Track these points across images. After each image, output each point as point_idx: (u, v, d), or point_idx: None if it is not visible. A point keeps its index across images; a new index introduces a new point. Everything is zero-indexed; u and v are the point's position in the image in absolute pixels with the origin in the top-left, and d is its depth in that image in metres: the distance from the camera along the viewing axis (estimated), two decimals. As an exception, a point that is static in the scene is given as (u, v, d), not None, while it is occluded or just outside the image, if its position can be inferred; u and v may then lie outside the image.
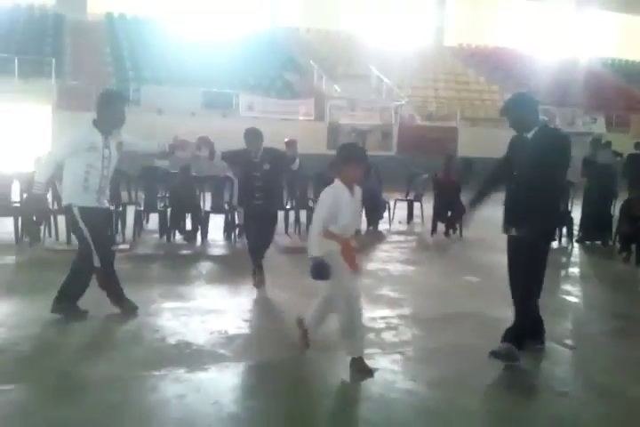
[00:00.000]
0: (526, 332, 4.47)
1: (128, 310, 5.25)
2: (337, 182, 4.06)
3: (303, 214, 9.55)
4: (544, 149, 4.20)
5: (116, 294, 5.28)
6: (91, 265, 5.11)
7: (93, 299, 5.71)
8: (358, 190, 4.20)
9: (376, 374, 4.15)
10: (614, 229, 9.03)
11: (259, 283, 6.30)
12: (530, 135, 4.32)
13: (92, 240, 5.02)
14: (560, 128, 4.81)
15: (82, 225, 5.00)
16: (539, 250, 4.37)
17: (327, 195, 4.06)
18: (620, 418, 3.73)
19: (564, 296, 6.50)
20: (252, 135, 6.24)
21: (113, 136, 5.16)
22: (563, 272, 7.86)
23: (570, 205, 9.29)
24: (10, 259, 7.53)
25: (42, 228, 8.35)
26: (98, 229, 5.13)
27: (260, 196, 6.26)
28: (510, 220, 4.44)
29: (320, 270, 3.96)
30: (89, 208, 5.01)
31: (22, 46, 19.57)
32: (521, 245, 4.33)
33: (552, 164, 4.20)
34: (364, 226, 10.06)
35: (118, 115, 5.10)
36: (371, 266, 7.59)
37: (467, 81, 25.83)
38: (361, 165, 4.10)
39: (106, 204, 5.28)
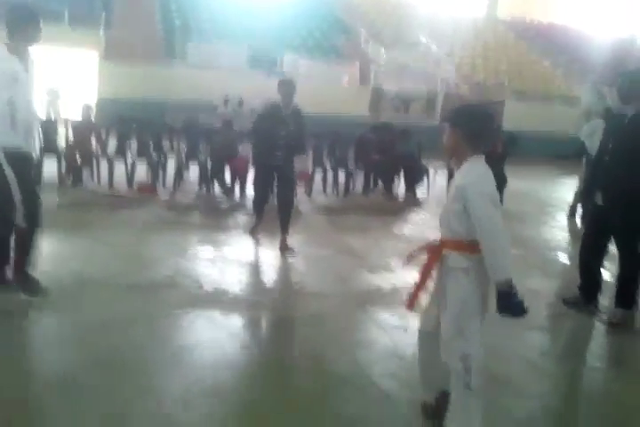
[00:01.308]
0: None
1: (27, 291, 4.14)
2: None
3: (342, 175, 9.50)
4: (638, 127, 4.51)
5: (23, 265, 4.15)
6: (10, 223, 3.98)
7: (134, 241, 5.81)
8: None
9: (408, 334, 4.12)
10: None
11: (255, 230, 6.26)
12: (629, 112, 4.58)
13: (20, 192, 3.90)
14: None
15: (7, 171, 3.87)
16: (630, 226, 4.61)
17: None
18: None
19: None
20: (287, 86, 5.87)
21: (26, 57, 4.08)
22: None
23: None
24: (53, 199, 7.64)
25: (84, 171, 8.44)
26: (26, 178, 4.02)
27: (280, 155, 5.87)
28: (604, 191, 4.74)
29: (520, 302, 2.61)
30: (17, 152, 3.92)
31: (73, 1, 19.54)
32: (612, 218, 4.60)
33: None
34: (402, 191, 10.01)
35: (37, 31, 4.01)
36: (407, 229, 7.56)
37: (518, 54, 25.13)
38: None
39: (32, 148, 4.10)
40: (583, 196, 5.20)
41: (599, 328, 4.76)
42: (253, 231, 6.27)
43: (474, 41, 24.60)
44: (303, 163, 6.31)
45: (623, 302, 4.71)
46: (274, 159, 5.86)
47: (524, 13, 29.43)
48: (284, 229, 5.96)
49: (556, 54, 25.22)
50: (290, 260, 5.70)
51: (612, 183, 4.68)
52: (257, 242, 6.12)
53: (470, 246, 2.64)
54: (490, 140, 2.75)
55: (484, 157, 2.69)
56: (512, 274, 2.55)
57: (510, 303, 2.59)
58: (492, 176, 2.67)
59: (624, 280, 4.72)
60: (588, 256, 4.96)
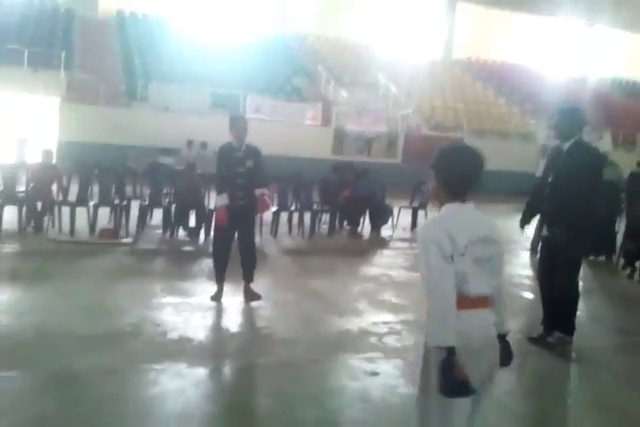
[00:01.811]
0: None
1: None
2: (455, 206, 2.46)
3: (307, 217, 9.52)
4: (575, 159, 4.76)
5: None
6: None
7: (97, 290, 5.72)
8: None
9: (377, 379, 4.12)
10: (618, 245, 9.02)
11: (218, 296, 5.70)
12: (565, 147, 4.88)
13: None
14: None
15: None
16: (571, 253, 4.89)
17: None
18: None
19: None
20: (239, 123, 5.62)
21: None
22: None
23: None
24: (13, 247, 7.49)
25: (46, 218, 8.30)
26: None
27: (242, 195, 5.60)
28: (547, 222, 5.11)
29: (460, 382, 2.21)
30: None
31: (33, 39, 19.56)
32: (556, 247, 4.89)
33: (580, 173, 4.70)
34: (367, 231, 10.08)
35: None
36: (373, 271, 7.58)
37: (474, 94, 25.87)
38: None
39: None
40: (521, 222, 5.49)
41: (565, 366, 4.81)
42: (216, 298, 5.69)
43: (431, 82, 25.25)
44: (264, 192, 5.89)
45: (562, 328, 4.97)
46: (235, 200, 5.57)
47: (479, 53, 30.42)
48: (248, 276, 5.77)
49: (511, 93, 26.04)
50: (256, 305, 5.64)
51: (553, 214, 4.98)
52: (219, 301, 5.70)
53: None
54: (468, 185, 2.42)
55: (461, 203, 2.42)
56: (451, 341, 2.21)
57: (441, 377, 2.22)
58: (461, 222, 2.37)
59: (562, 306, 4.98)
60: (546, 288, 5.08)
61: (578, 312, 5.64)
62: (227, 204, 5.57)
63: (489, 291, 2.39)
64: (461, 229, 2.33)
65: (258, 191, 5.75)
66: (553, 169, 4.97)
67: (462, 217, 2.40)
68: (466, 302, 2.30)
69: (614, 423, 3.82)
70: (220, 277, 5.74)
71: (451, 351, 2.22)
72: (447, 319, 2.24)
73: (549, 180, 4.97)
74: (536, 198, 5.28)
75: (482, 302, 2.37)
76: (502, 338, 2.47)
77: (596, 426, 3.74)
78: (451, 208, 2.43)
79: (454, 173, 2.42)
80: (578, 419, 3.87)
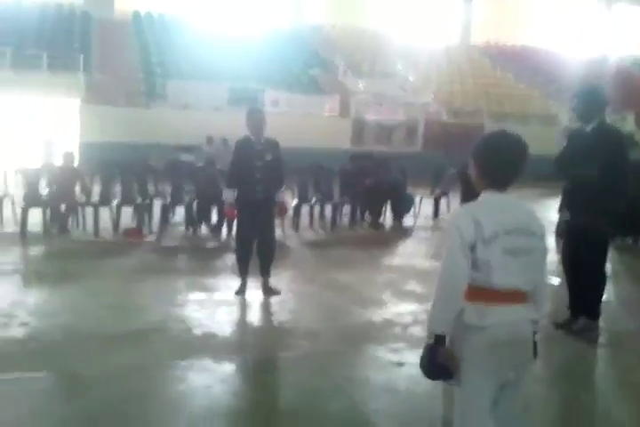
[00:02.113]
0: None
1: None
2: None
3: (328, 209, 9.51)
4: (600, 141, 4.63)
5: None
6: None
7: (122, 289, 5.79)
8: None
9: (403, 369, 4.11)
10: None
11: (242, 290, 5.72)
12: (588, 128, 4.77)
13: None
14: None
15: None
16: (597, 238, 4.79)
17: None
18: None
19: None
20: (256, 115, 5.56)
21: None
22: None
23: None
24: (39, 249, 7.61)
25: (69, 219, 8.41)
26: None
27: (260, 189, 5.52)
28: (571, 206, 5.01)
29: (431, 362, 2.27)
30: None
31: (51, 42, 19.80)
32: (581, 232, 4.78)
33: (607, 155, 4.58)
34: (389, 221, 10.04)
35: None
36: (396, 261, 7.56)
37: (494, 78, 25.55)
38: None
39: None
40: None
41: (591, 351, 4.76)
42: (240, 292, 5.71)
43: (449, 68, 25.02)
44: (282, 196, 5.93)
45: (588, 313, 4.90)
46: (254, 195, 5.52)
47: (496, 38, 30.01)
48: (265, 272, 5.75)
49: (531, 76, 25.67)
50: (280, 298, 5.66)
51: (578, 199, 4.88)
52: (243, 295, 5.72)
53: (469, 291, 2.26)
54: (508, 175, 2.34)
55: (499, 192, 2.34)
56: (442, 329, 2.24)
57: (423, 358, 2.28)
58: (494, 210, 2.28)
59: (588, 292, 4.91)
60: (571, 273, 5.01)
61: (604, 296, 5.58)
62: (232, 200, 5.64)
63: (521, 285, 2.28)
64: (492, 216, 2.24)
65: (278, 196, 5.77)
66: (575, 151, 4.86)
67: (497, 205, 2.31)
68: (491, 294, 2.25)
69: (644, 408, 3.78)
70: (243, 271, 5.76)
71: (439, 340, 2.23)
72: (448, 308, 2.25)
73: (572, 163, 4.85)
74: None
75: (513, 296, 2.27)
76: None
77: (624, 411, 3.69)
78: (487, 196, 2.34)
79: (493, 162, 2.32)
80: (606, 404, 3.83)
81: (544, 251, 2.37)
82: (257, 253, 5.76)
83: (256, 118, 5.55)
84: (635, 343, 4.92)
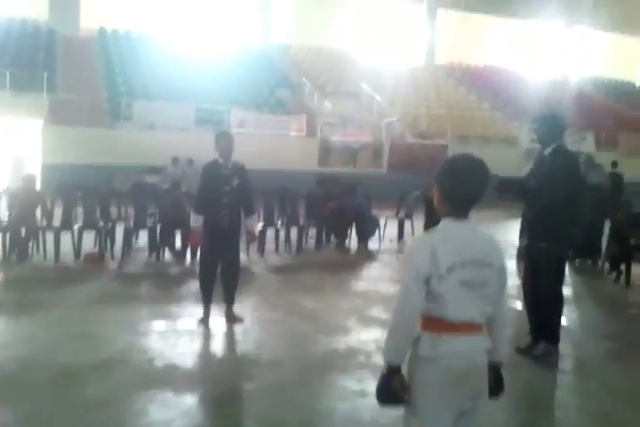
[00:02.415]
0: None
1: None
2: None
3: (294, 232, 9.51)
4: (554, 166, 4.80)
5: None
6: None
7: (83, 318, 5.68)
8: None
9: (366, 399, 4.10)
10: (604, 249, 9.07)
11: (206, 318, 5.65)
12: (546, 152, 4.94)
13: None
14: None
15: None
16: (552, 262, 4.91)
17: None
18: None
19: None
20: (225, 139, 5.54)
21: None
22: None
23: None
24: (-3, 276, 7.45)
25: (30, 244, 8.25)
26: None
27: (226, 214, 5.49)
28: (528, 230, 5.19)
29: (385, 390, 2.30)
30: None
31: (14, 60, 19.56)
32: (537, 256, 4.92)
33: (559, 180, 4.72)
34: (354, 244, 10.08)
35: None
36: (361, 285, 7.57)
37: (457, 99, 26.01)
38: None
39: None
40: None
41: (551, 376, 4.82)
42: (204, 321, 5.63)
43: (414, 89, 25.38)
44: (252, 223, 5.94)
45: (547, 337, 4.99)
46: (220, 221, 5.48)
47: (461, 58, 30.61)
48: (229, 299, 5.75)
49: (494, 97, 26.20)
50: (243, 326, 5.62)
51: (533, 223, 5.06)
52: (207, 323, 5.66)
53: (424, 322, 2.30)
54: (470, 201, 2.33)
55: (460, 220, 2.33)
56: (396, 359, 2.27)
57: (378, 386, 2.31)
58: (453, 242, 2.27)
59: (546, 316, 5.00)
60: (530, 297, 5.09)
61: (565, 319, 5.69)
62: (200, 226, 5.58)
63: (476, 318, 2.29)
64: (450, 249, 2.24)
65: (248, 224, 5.79)
66: (535, 176, 5.01)
67: (456, 235, 2.30)
68: (445, 326, 2.26)
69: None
70: (206, 298, 5.71)
71: (394, 370, 2.27)
72: (401, 339, 2.28)
73: (530, 187, 5.00)
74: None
75: (468, 327, 2.28)
76: (495, 368, 2.42)
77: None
78: (447, 225, 2.34)
79: (455, 188, 2.32)
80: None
81: (502, 282, 2.38)
82: (221, 280, 5.73)
83: (225, 142, 5.54)
84: (596, 369, 4.99)
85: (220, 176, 5.52)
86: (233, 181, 5.54)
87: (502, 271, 2.36)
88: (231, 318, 5.70)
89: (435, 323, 2.26)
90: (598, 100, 29.36)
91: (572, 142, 21.82)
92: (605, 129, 24.41)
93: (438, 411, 2.26)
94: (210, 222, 5.58)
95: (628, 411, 4.16)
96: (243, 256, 8.47)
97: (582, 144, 22.13)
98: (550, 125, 4.99)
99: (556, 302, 5.03)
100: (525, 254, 5.32)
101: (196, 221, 5.64)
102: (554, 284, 4.99)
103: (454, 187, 2.31)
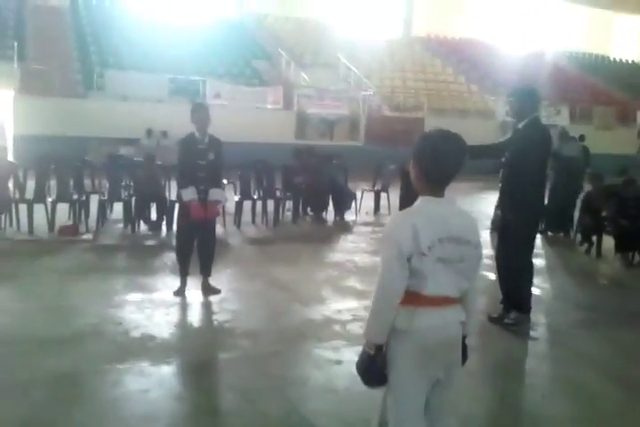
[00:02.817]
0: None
1: None
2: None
3: (270, 204, 9.49)
4: (526, 139, 4.84)
5: None
6: None
7: (57, 290, 5.65)
8: None
9: (341, 367, 4.17)
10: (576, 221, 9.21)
11: (181, 290, 5.66)
12: (520, 126, 4.97)
13: None
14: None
15: None
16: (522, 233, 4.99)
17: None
18: (583, 412, 3.81)
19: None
20: (201, 112, 5.44)
21: None
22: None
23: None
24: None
25: (3, 217, 8.13)
26: None
27: (203, 188, 5.47)
28: (502, 204, 5.32)
29: (371, 371, 2.34)
30: None
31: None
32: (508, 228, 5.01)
33: (531, 153, 4.80)
34: (330, 216, 10.11)
35: None
36: (337, 257, 7.62)
37: (434, 72, 25.91)
38: None
39: None
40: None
41: (523, 345, 4.93)
42: (180, 292, 5.64)
43: (391, 61, 25.22)
44: (214, 196, 5.61)
45: (518, 307, 5.09)
46: (197, 194, 5.45)
47: (437, 30, 30.42)
48: (205, 270, 5.75)
49: (470, 70, 26.15)
50: (220, 297, 5.64)
51: (505, 195, 5.17)
52: (183, 295, 5.64)
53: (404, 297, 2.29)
54: (448, 177, 2.32)
55: (439, 197, 2.33)
56: (380, 339, 2.29)
57: (362, 366, 2.34)
58: (432, 219, 2.27)
59: (516, 286, 5.09)
60: (502, 268, 5.20)
61: (538, 289, 5.81)
62: (196, 197, 5.43)
63: (451, 292, 2.32)
64: (430, 226, 2.24)
65: (213, 196, 5.58)
66: (509, 149, 5.05)
67: (436, 213, 2.29)
68: (421, 300, 2.28)
69: (571, 401, 3.94)
70: (184, 270, 5.71)
71: (378, 348, 2.29)
72: (383, 318, 2.28)
73: (503, 160, 5.06)
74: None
75: (443, 301, 2.31)
76: (462, 338, 2.43)
77: (554, 404, 3.84)
78: (426, 202, 2.32)
79: (434, 166, 2.29)
80: (536, 397, 3.98)
81: (478, 259, 2.40)
82: (197, 252, 5.72)
83: (201, 114, 5.44)
84: (567, 337, 5.11)
85: (195, 150, 5.45)
86: (209, 155, 5.48)
87: (478, 248, 2.38)
88: (207, 290, 5.71)
89: (411, 297, 2.27)
90: (573, 74, 29.46)
91: (546, 116, 21.95)
92: (580, 102, 24.56)
93: (412, 381, 2.32)
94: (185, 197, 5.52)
95: (597, 378, 4.28)
96: (219, 228, 8.49)
97: (557, 117, 22.27)
98: (526, 99, 5.03)
99: (527, 272, 5.14)
100: (500, 226, 5.41)
101: (187, 195, 5.46)
102: (525, 254, 5.09)
103: (433, 165, 2.29)
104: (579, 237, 8.84)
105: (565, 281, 7.12)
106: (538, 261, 8.27)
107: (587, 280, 7.20)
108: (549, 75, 26.31)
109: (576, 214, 9.21)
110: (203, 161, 5.46)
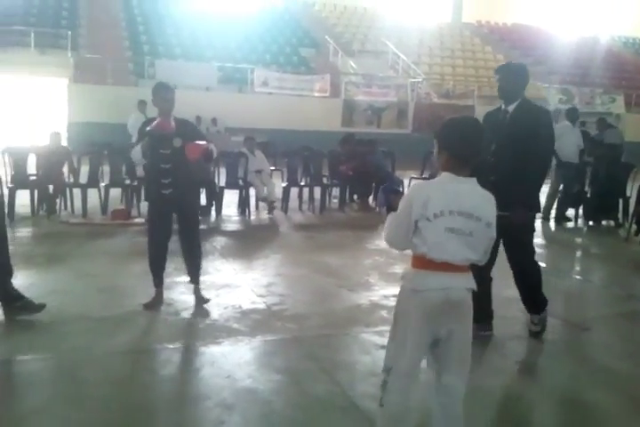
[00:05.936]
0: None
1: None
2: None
3: (317, 191, 9.53)
4: (525, 123, 4.18)
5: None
6: None
7: (110, 271, 5.80)
8: None
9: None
10: (621, 209, 8.99)
11: (154, 303, 4.90)
12: (510, 108, 4.28)
13: None
14: (539, 105, 4.48)
15: None
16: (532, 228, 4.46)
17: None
18: (625, 403, 3.73)
19: (577, 277, 6.50)
20: (162, 93, 4.64)
21: None
22: (578, 253, 7.87)
23: (585, 185, 9.41)
24: (27, 231, 7.60)
25: (58, 200, 8.39)
26: None
27: (168, 183, 4.67)
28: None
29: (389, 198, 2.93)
30: None
31: (39, 19, 19.54)
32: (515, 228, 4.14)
33: (535, 138, 4.14)
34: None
35: None
36: (384, 244, 7.57)
37: (484, 58, 25.48)
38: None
39: None
40: None
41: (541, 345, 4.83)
42: (150, 306, 4.86)
43: (441, 48, 24.89)
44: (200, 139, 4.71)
45: (541, 308, 4.55)
46: (162, 189, 4.71)
47: (488, 16, 29.84)
48: (194, 278, 5.15)
49: (521, 56, 25.59)
50: (268, 281, 5.71)
51: (500, 191, 4.30)
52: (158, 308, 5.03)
53: (413, 259, 2.58)
54: (466, 159, 2.52)
55: (457, 175, 2.50)
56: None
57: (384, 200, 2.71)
58: (446, 192, 2.47)
59: (532, 287, 4.51)
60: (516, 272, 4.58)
61: (589, 279, 5.64)
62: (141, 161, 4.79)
63: (457, 259, 2.49)
64: (442, 197, 2.46)
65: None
66: (495, 137, 4.20)
67: (451, 187, 2.50)
68: (427, 263, 2.49)
69: (624, 393, 3.85)
70: (157, 281, 5.03)
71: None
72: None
73: (492, 149, 4.23)
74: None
75: (448, 266, 2.49)
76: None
77: (593, 393, 3.77)
78: (445, 177, 2.54)
79: (453, 145, 2.52)
80: (570, 382, 3.91)
81: (487, 235, 2.55)
82: (182, 255, 5.20)
83: (163, 96, 4.65)
84: (616, 327, 4.99)
85: (157, 137, 4.61)
86: (174, 142, 4.58)
87: (490, 227, 2.54)
88: (199, 299, 5.10)
89: (419, 260, 2.52)
90: (629, 61, 28.54)
91: (601, 104, 21.36)
92: (636, 90, 23.78)
93: (412, 334, 2.55)
94: (152, 192, 4.96)
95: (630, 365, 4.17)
96: (265, 215, 8.57)
97: (612, 105, 21.64)
98: (515, 78, 4.28)
99: (538, 270, 4.55)
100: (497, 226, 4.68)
101: (136, 153, 4.73)
102: (534, 252, 4.48)
103: (462, 147, 2.51)
104: (634, 227, 8.59)
105: (617, 271, 6.91)
106: (590, 251, 8.12)
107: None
108: (603, 61, 25.58)
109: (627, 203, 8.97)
110: (166, 150, 4.62)
